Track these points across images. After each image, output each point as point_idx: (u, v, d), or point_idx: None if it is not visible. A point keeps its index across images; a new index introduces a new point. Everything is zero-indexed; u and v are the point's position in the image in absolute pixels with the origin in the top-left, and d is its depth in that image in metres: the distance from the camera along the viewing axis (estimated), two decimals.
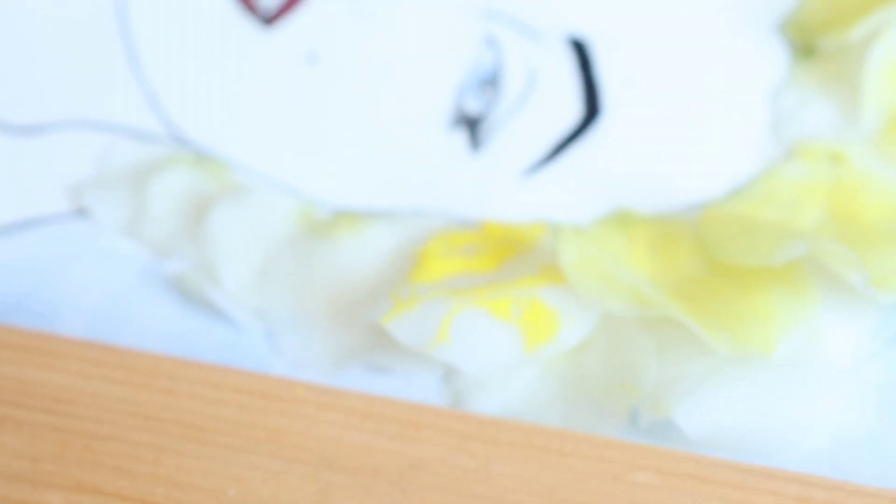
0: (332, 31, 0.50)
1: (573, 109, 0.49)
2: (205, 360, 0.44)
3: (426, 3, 0.50)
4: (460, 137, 0.49)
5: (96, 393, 0.41)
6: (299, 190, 0.48)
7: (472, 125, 0.49)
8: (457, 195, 0.48)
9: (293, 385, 0.41)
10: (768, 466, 0.39)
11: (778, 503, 0.38)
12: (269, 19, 0.50)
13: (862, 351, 0.44)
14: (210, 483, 0.40)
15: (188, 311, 0.46)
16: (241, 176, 0.48)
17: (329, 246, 0.46)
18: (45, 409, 0.41)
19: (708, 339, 0.42)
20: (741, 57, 0.49)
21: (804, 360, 0.43)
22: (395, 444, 0.40)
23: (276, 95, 0.50)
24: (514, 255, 0.45)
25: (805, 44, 0.49)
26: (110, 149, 0.49)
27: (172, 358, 0.42)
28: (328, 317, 0.45)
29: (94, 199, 0.48)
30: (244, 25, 0.50)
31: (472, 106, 0.49)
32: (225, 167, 0.48)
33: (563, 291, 0.44)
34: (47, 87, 0.50)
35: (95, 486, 0.40)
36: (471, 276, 0.44)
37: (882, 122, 0.47)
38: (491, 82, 0.49)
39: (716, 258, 0.44)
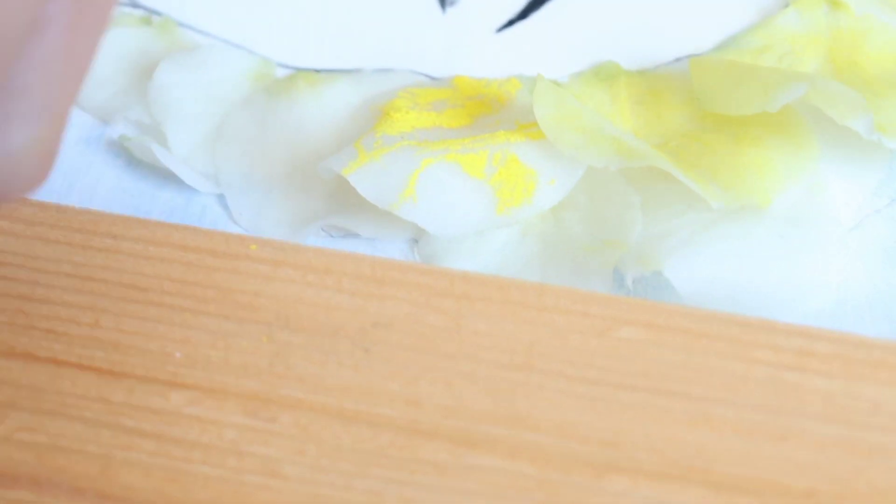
0: None
1: None
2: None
3: None
4: None
5: (29, 253, 0.38)
6: (257, 52, 0.44)
7: None
8: (426, 54, 0.44)
9: (245, 241, 0.37)
10: (768, 319, 0.35)
11: (778, 358, 0.35)
12: None
13: (866, 207, 0.40)
14: (154, 346, 0.36)
15: (135, 177, 0.42)
16: (194, 35, 0.45)
17: (287, 104, 0.42)
18: None
19: (699, 190, 0.38)
20: None
21: (805, 215, 0.39)
22: (357, 301, 0.36)
23: None
24: (487, 111, 0.42)
25: None
26: None
27: (113, 215, 0.38)
28: (285, 178, 0.41)
29: None
30: None
31: None
32: (176, 26, 0.45)
33: (542, 148, 0.40)
34: None
35: (28, 351, 0.36)
36: (441, 131, 0.41)
37: None
38: None
39: (707, 109, 0.41)
